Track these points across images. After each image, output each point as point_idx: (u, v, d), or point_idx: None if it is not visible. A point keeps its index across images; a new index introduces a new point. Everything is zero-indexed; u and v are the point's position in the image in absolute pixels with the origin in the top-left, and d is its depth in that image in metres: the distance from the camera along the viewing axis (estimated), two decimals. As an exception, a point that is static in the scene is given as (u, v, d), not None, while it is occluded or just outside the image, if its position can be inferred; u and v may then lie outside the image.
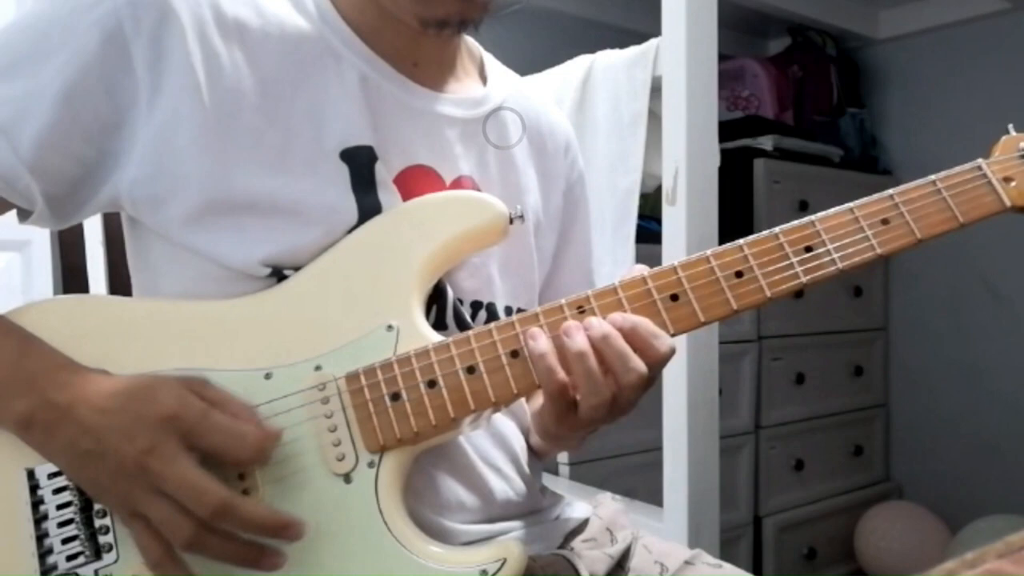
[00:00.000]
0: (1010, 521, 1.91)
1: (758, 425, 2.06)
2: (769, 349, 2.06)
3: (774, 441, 2.08)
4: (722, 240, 1.26)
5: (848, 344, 2.30)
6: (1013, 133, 0.68)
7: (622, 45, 1.45)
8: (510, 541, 0.61)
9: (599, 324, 0.59)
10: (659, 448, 1.27)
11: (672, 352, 0.60)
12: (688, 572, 0.74)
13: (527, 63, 0.96)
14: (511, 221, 0.66)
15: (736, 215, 1.95)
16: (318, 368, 0.61)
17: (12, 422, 0.57)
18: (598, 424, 0.62)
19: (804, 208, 2.12)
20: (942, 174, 0.65)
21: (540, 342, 0.59)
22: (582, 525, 0.78)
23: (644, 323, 0.59)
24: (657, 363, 0.59)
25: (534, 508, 0.75)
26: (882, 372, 2.41)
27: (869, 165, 2.40)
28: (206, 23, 0.63)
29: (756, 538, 2.04)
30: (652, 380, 0.60)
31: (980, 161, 0.66)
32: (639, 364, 0.58)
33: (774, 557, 2.05)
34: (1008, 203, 0.64)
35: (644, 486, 1.48)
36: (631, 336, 0.59)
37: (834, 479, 2.24)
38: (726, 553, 1.06)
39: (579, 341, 0.58)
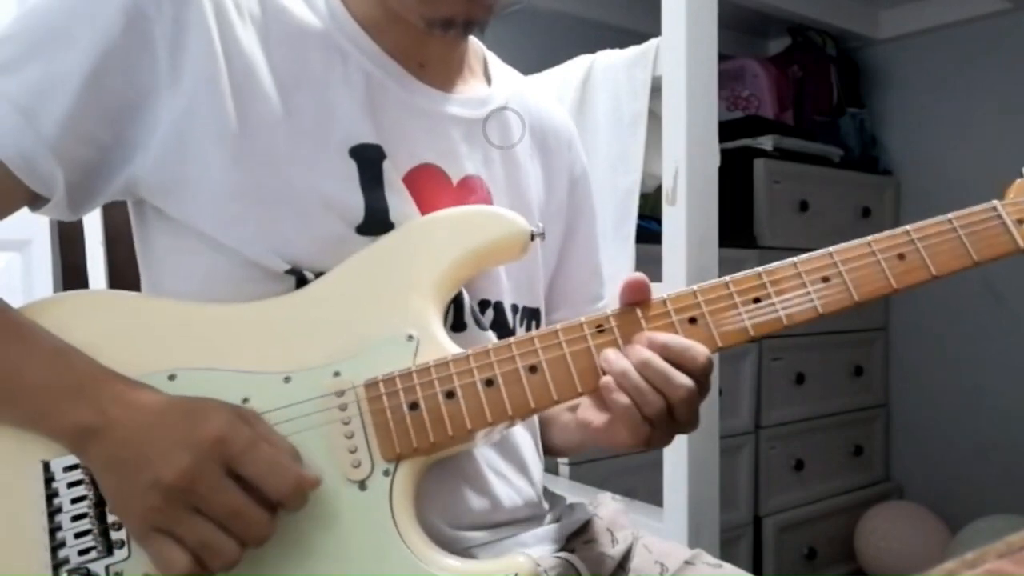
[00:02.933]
0: (1010, 521, 1.91)
1: (758, 425, 2.06)
2: (769, 349, 2.06)
3: (774, 441, 2.08)
4: (722, 240, 1.27)
5: (848, 344, 2.30)
6: None
7: (622, 45, 1.45)
8: (521, 554, 0.61)
9: (638, 351, 0.60)
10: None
11: (709, 358, 0.61)
12: (688, 572, 0.74)
13: (527, 63, 0.96)
14: (532, 238, 0.66)
15: (736, 215, 1.95)
16: (337, 374, 0.61)
17: (65, 430, 0.57)
18: (666, 440, 0.63)
19: (804, 208, 2.13)
20: (957, 213, 0.66)
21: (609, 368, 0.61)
22: (583, 527, 0.78)
23: (673, 340, 0.60)
24: (699, 373, 0.60)
25: (536, 512, 0.75)
26: (882, 372, 2.41)
27: (869, 165, 2.39)
28: (226, 8, 0.63)
29: (756, 538, 2.04)
30: (704, 389, 0.61)
31: (995, 202, 0.67)
32: (683, 379, 0.59)
33: (774, 557, 2.05)
34: (1022, 245, 0.65)
35: (644, 486, 1.48)
36: (667, 354, 0.60)
37: (834, 479, 2.24)
38: (726, 553, 1.06)
39: (621, 364, 0.60)
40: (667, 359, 0.59)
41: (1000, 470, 2.21)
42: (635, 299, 0.63)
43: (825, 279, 0.63)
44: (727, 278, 0.63)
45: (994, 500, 2.12)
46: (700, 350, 0.60)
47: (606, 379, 0.60)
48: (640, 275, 0.63)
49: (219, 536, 0.53)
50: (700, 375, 0.60)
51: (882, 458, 2.41)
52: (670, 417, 0.60)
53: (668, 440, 0.63)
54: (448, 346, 0.62)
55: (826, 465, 2.21)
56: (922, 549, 2.06)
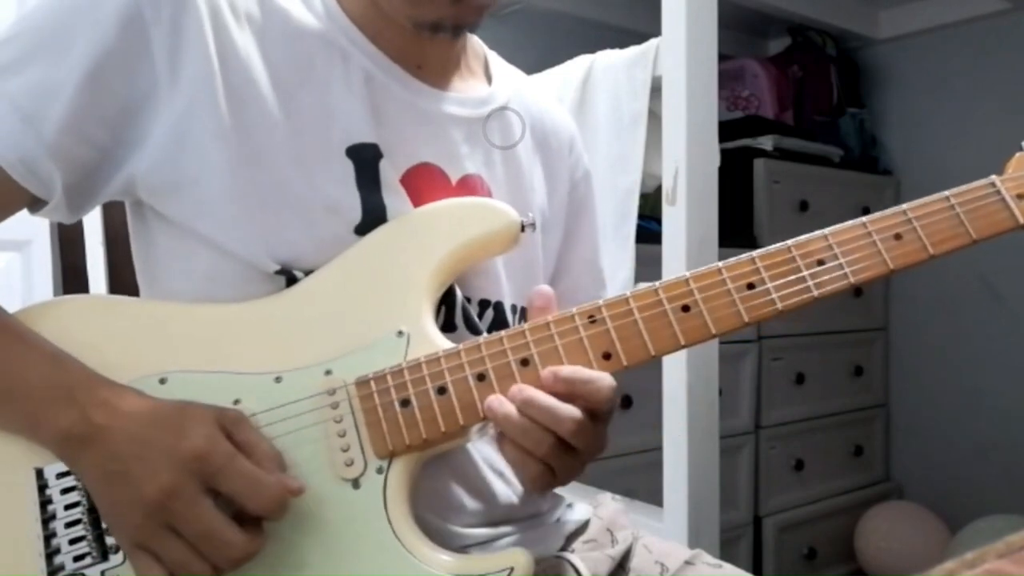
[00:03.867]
0: (1010, 521, 1.91)
1: (758, 425, 2.06)
2: (769, 349, 2.06)
3: (774, 441, 2.08)
4: (722, 240, 1.27)
5: (848, 344, 2.30)
6: None
7: (622, 45, 1.45)
8: (517, 549, 0.60)
9: (519, 391, 0.58)
10: (659, 448, 1.27)
11: (612, 390, 0.59)
12: (688, 572, 0.74)
13: (527, 63, 0.96)
14: (522, 229, 0.66)
15: (736, 215, 1.95)
16: (328, 373, 0.61)
17: (52, 436, 0.57)
18: (576, 469, 0.61)
19: (804, 208, 2.12)
20: (955, 190, 0.63)
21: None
22: (583, 527, 0.78)
23: (574, 372, 0.58)
24: (600, 403, 0.58)
25: (535, 511, 0.75)
26: (882, 372, 2.41)
27: (869, 165, 2.39)
28: (221, 11, 0.63)
29: (756, 538, 2.04)
30: (607, 413, 0.60)
31: (994, 178, 0.64)
32: (570, 412, 0.57)
33: (774, 557, 2.05)
34: (1022, 220, 0.63)
35: (644, 486, 1.47)
36: (563, 387, 0.58)
37: (834, 479, 2.24)
38: (726, 553, 1.06)
39: (504, 409, 0.58)
40: (568, 393, 0.58)
41: (1000, 470, 2.21)
42: (542, 310, 0.61)
43: (820, 262, 0.62)
44: (720, 264, 0.62)
45: (994, 500, 2.12)
46: (606, 382, 0.58)
47: (495, 431, 0.59)
48: (544, 287, 0.62)
49: (191, 558, 0.53)
50: (605, 406, 0.59)
51: (882, 458, 2.41)
52: (567, 449, 0.58)
53: (579, 470, 0.62)
54: (439, 341, 0.62)
55: (826, 465, 2.21)
56: (922, 549, 2.06)
